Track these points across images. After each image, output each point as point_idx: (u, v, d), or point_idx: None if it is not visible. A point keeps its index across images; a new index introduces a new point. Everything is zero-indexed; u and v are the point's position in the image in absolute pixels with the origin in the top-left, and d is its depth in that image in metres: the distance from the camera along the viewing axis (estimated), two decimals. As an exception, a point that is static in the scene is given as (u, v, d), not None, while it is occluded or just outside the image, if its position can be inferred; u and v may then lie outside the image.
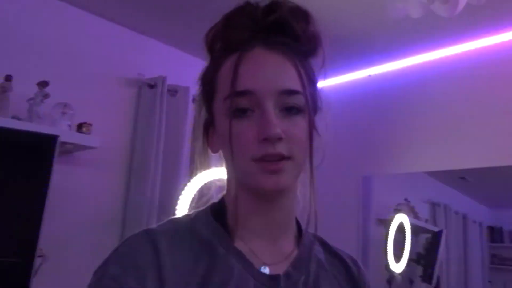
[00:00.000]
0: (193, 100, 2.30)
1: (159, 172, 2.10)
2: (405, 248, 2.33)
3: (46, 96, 1.74)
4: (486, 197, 2.25)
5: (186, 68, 2.37)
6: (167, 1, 1.98)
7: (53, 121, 1.77)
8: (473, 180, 2.21)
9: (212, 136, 0.62)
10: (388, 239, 2.32)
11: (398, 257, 2.32)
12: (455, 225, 2.27)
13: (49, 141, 1.54)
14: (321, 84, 0.62)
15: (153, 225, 0.58)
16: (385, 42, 2.24)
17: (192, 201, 1.66)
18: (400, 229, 2.34)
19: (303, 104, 0.56)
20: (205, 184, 1.59)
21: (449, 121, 2.20)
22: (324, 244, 0.69)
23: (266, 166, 0.53)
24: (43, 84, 1.73)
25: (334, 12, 1.96)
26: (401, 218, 2.35)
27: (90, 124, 1.85)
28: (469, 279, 2.21)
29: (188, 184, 1.71)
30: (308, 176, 0.57)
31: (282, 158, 0.53)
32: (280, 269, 0.59)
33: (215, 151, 0.63)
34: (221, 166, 0.63)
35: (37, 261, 1.51)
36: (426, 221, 2.34)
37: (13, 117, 1.64)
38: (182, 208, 1.68)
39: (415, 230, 2.35)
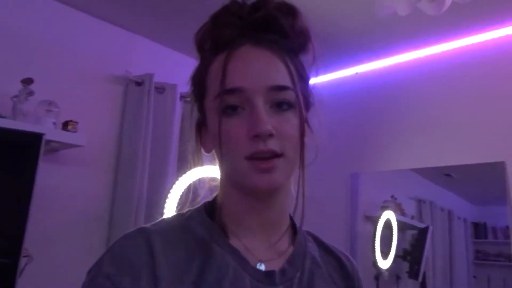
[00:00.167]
0: (181, 97, 2.29)
1: (147, 170, 2.08)
2: (392, 245, 2.35)
3: (31, 93, 1.71)
4: (470, 194, 2.28)
5: (174, 66, 2.35)
6: (154, -2, 1.97)
7: (38, 119, 1.74)
8: (458, 177, 2.24)
9: (205, 136, 0.62)
10: (376, 235, 2.34)
11: (385, 253, 2.35)
12: (440, 221, 2.30)
13: (34, 139, 1.52)
14: (312, 81, 0.62)
15: (147, 224, 0.58)
16: (372, 40, 2.25)
17: (180, 200, 1.65)
18: (387, 225, 2.36)
19: (294, 100, 0.56)
20: (193, 182, 1.59)
21: (435, 119, 2.23)
22: (318, 242, 0.69)
23: (258, 165, 0.53)
24: (27, 81, 1.70)
25: (321, 10, 1.97)
26: (388, 215, 2.38)
27: (76, 122, 1.83)
28: (454, 275, 2.24)
29: (177, 182, 1.70)
30: (298, 172, 0.57)
31: (274, 155, 0.53)
32: (275, 266, 0.59)
33: (208, 150, 0.63)
34: (214, 164, 0.63)
35: (23, 261, 1.49)
36: (412, 217, 2.37)
37: (-3, 115, 1.61)
38: (171, 206, 1.67)
39: (402, 227, 2.38)
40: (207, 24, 0.60)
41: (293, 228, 0.66)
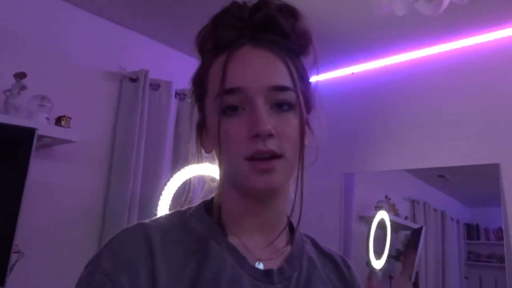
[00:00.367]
0: (176, 94, 2.28)
1: (141, 167, 2.07)
2: (385, 245, 2.36)
3: (24, 88, 1.69)
4: (463, 195, 2.29)
5: (169, 63, 2.34)
6: (151, -7, 1.95)
7: (30, 114, 1.72)
8: (452, 178, 2.25)
9: (205, 137, 0.63)
10: (370, 235, 2.35)
11: (378, 253, 2.35)
12: (433, 222, 2.31)
13: (27, 134, 1.50)
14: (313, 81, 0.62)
15: (146, 220, 0.57)
16: (368, 40, 2.25)
17: (174, 197, 1.64)
18: (381, 226, 2.37)
19: (294, 101, 0.56)
20: (190, 178, 1.58)
21: (430, 120, 2.24)
22: (315, 244, 0.69)
23: (257, 165, 0.53)
24: (20, 75, 1.68)
25: (318, 10, 1.96)
26: (382, 215, 2.38)
27: (70, 118, 1.81)
28: (446, 275, 2.25)
29: (171, 179, 1.69)
30: (297, 174, 0.57)
31: (274, 155, 0.53)
32: (273, 265, 0.59)
33: (208, 151, 0.63)
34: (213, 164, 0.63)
35: (13, 257, 1.47)
36: (406, 218, 2.38)
37: (-11, 109, 1.59)
38: (164, 203, 1.66)
39: (395, 227, 2.39)
40: (207, 26, 0.60)
41: (290, 227, 0.66)
